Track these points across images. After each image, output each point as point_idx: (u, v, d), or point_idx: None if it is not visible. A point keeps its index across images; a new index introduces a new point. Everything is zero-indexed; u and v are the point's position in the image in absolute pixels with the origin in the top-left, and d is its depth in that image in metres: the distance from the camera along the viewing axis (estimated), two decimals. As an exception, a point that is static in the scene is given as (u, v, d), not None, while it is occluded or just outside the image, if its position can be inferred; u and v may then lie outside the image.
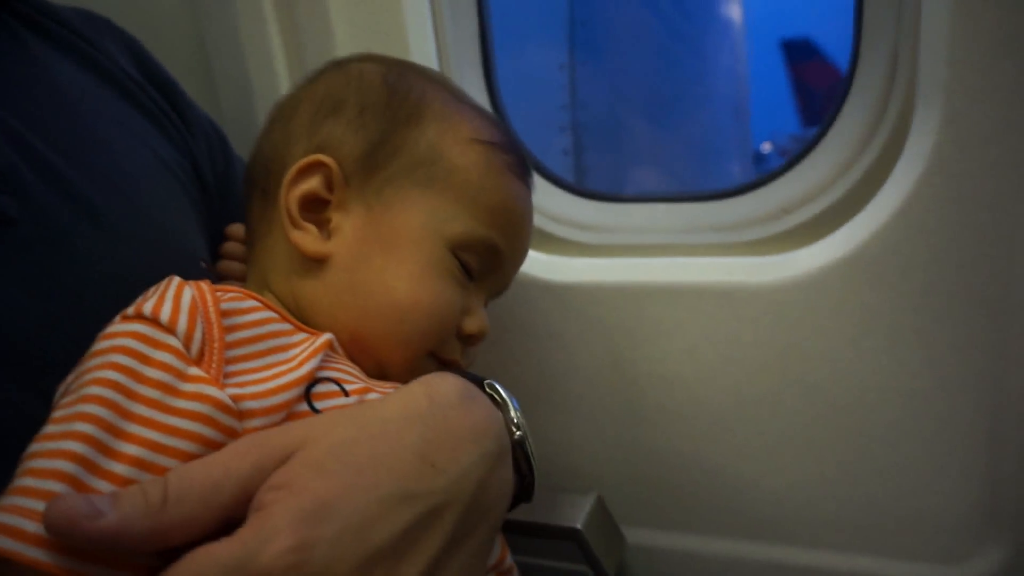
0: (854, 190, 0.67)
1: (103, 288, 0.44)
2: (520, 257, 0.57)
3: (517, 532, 0.64)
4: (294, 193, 0.50)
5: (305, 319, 0.49)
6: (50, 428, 0.34)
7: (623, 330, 0.72)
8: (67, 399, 0.35)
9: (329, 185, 0.50)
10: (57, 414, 0.34)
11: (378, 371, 0.49)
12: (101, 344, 0.37)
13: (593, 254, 0.78)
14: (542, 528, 0.68)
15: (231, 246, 0.62)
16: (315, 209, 0.50)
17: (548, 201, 0.80)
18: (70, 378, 0.37)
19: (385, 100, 0.52)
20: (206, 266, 0.55)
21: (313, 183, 0.50)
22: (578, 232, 0.80)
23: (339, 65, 0.56)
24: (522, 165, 0.55)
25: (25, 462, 0.32)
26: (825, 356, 0.66)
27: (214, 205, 0.62)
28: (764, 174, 0.76)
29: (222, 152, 0.66)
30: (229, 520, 0.32)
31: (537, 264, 0.76)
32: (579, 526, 0.67)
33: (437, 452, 0.36)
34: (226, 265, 0.61)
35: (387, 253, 0.49)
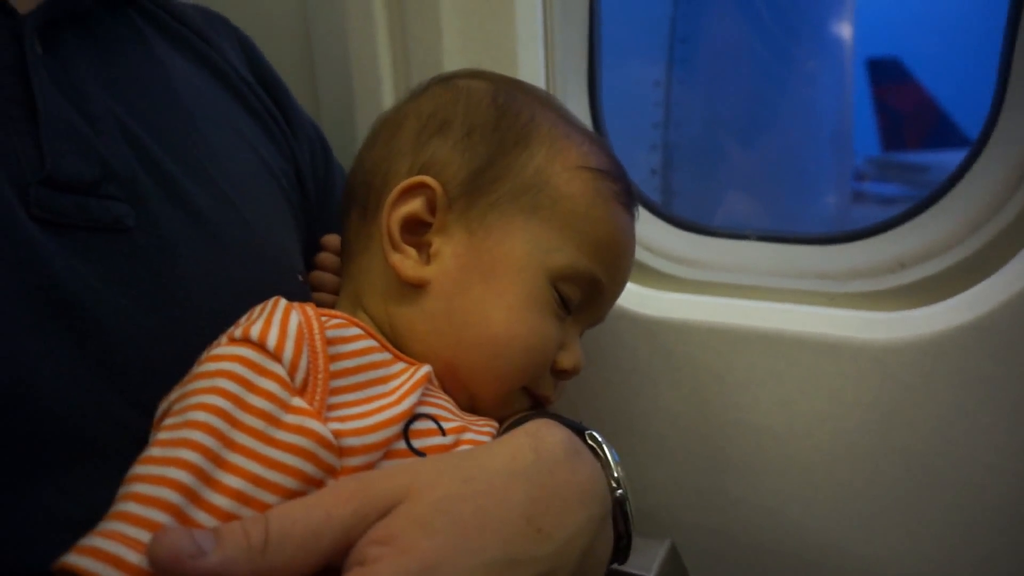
0: (988, 248, 0.61)
1: (208, 299, 0.44)
2: (619, 290, 0.55)
3: None
4: (396, 214, 0.48)
5: (399, 345, 0.48)
6: (155, 451, 0.33)
7: (713, 373, 0.69)
8: (171, 420, 0.35)
9: (432, 207, 0.49)
10: (162, 436, 0.34)
11: (469, 403, 0.48)
12: (207, 366, 0.36)
13: (686, 289, 0.75)
14: (612, 573, 0.65)
15: (325, 257, 0.62)
16: (415, 231, 0.49)
17: (642, 229, 0.77)
18: (173, 396, 0.37)
19: (494, 122, 0.50)
20: (303, 279, 0.55)
21: (415, 205, 0.49)
22: (670, 264, 0.77)
23: (446, 81, 0.55)
24: (628, 195, 0.53)
25: (128, 485, 0.32)
26: (934, 427, 0.61)
27: (312, 212, 0.62)
28: (878, 222, 0.71)
29: (324, 159, 0.66)
30: (328, 567, 0.31)
31: (627, 295, 0.73)
32: (651, 575, 0.64)
33: (544, 515, 0.34)
34: (318, 276, 0.60)
35: (487, 282, 0.47)
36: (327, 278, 0.60)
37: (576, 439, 0.39)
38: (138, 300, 0.41)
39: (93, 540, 0.30)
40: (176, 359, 0.39)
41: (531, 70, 0.74)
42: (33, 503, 0.35)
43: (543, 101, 0.54)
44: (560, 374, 0.51)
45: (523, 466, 0.35)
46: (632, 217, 0.54)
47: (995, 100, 0.63)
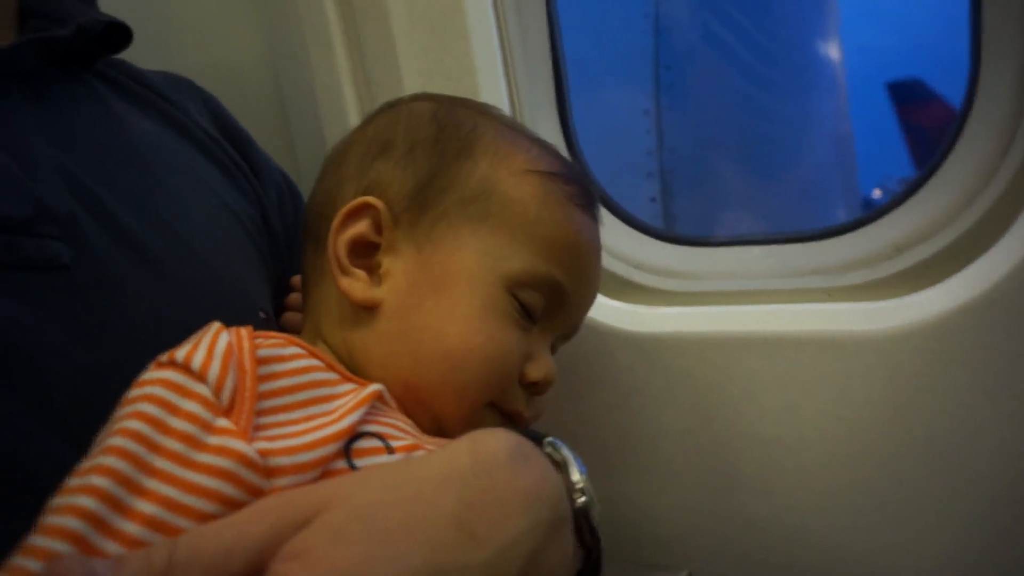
0: (981, 223, 0.58)
1: (155, 336, 0.42)
2: (588, 294, 0.52)
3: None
4: (342, 238, 0.48)
5: (358, 370, 0.46)
6: (71, 481, 0.32)
7: (714, 386, 0.65)
8: (94, 450, 0.33)
9: (378, 228, 0.48)
10: (82, 466, 0.33)
11: (435, 425, 0.46)
12: (133, 392, 0.35)
13: (680, 302, 0.72)
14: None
15: (295, 297, 0.61)
16: (365, 254, 0.48)
17: (628, 246, 0.75)
18: (105, 429, 0.35)
19: (434, 136, 0.49)
20: (265, 316, 0.54)
21: (361, 227, 0.48)
22: (662, 279, 0.74)
23: (392, 106, 0.55)
24: (585, 195, 0.51)
25: (42, 517, 0.31)
26: (954, 413, 0.57)
27: (282, 257, 0.62)
28: (871, 211, 0.68)
29: (292, 205, 0.66)
30: None
31: (617, 314, 0.70)
32: (669, 609, 0.60)
33: (478, 520, 0.31)
34: (289, 316, 0.60)
35: (438, 296, 0.46)
36: (297, 317, 0.59)
37: (526, 443, 0.36)
38: (77, 338, 0.40)
39: None
40: (118, 396, 0.37)
41: (495, 101, 0.73)
42: None
43: (488, 113, 0.53)
44: (531, 387, 0.48)
45: (458, 470, 0.33)
46: (593, 218, 0.52)
47: (972, 69, 0.60)
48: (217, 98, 0.65)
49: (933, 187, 0.62)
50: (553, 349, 0.52)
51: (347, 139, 0.54)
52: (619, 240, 0.75)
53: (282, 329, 0.58)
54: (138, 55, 0.58)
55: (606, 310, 0.70)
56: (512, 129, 0.52)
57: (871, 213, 0.66)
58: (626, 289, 0.74)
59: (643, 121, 1.63)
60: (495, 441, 0.35)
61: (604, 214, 0.77)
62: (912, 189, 0.64)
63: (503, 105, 0.74)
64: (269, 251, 0.60)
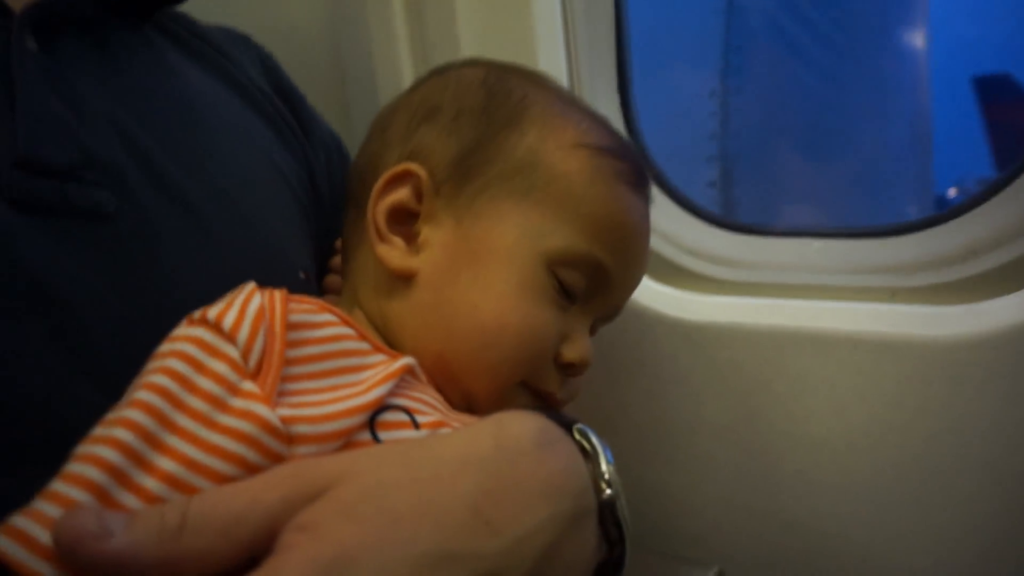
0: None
1: (193, 290, 0.42)
2: (633, 277, 0.51)
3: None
4: (382, 204, 0.47)
5: (392, 341, 0.46)
6: (96, 430, 0.32)
7: (761, 381, 0.63)
8: (122, 402, 0.33)
9: (419, 196, 0.47)
10: (107, 416, 0.33)
11: (465, 401, 0.45)
12: (163, 347, 0.35)
13: (731, 292, 0.69)
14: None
15: (338, 260, 0.60)
16: (405, 221, 0.47)
17: (681, 230, 0.72)
18: (134, 381, 0.35)
19: (482, 103, 0.48)
20: (305, 277, 0.54)
21: (402, 194, 0.47)
22: (715, 267, 0.71)
23: (441, 71, 0.53)
24: (636, 173, 0.49)
25: (66, 464, 0.31)
26: (1017, 433, 0.53)
27: (328, 217, 0.62)
28: (946, 210, 0.64)
29: (341, 167, 0.66)
30: (256, 555, 0.28)
31: (665, 299, 0.68)
32: (695, 604, 0.58)
33: (495, 507, 0.30)
34: (331, 279, 0.59)
35: (475, 270, 0.44)
36: (338, 281, 0.58)
37: (554, 429, 0.35)
38: (116, 287, 0.40)
39: (17, 519, 0.29)
40: (153, 348, 0.37)
41: (553, 74, 0.71)
42: (8, 491, 0.34)
43: (540, 82, 0.51)
44: (566, 368, 0.47)
45: (479, 454, 0.32)
46: (643, 198, 0.50)
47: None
48: (273, 56, 0.65)
49: (1016, 190, 0.58)
50: (593, 330, 0.50)
51: (394, 103, 0.53)
52: (672, 224, 0.73)
53: (323, 291, 0.58)
54: (203, 11, 0.59)
55: (653, 294, 0.68)
56: (565, 101, 0.50)
57: (945, 212, 0.62)
58: (676, 274, 0.72)
59: (708, 103, 1.59)
60: (521, 426, 0.33)
61: (658, 196, 0.75)
62: (993, 190, 0.60)
63: (561, 78, 0.72)
64: (314, 211, 0.60)
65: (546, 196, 0.45)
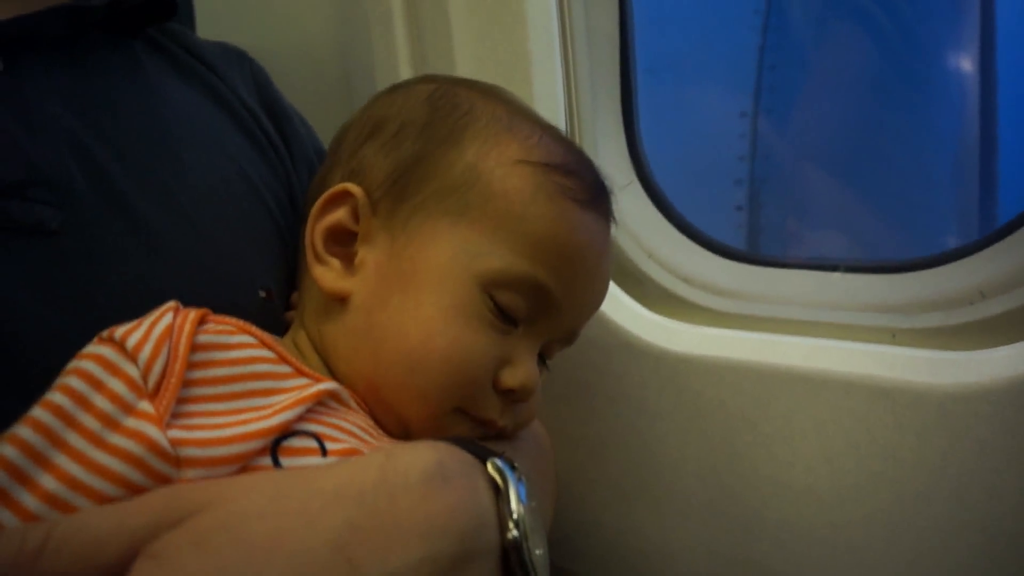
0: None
1: (139, 307, 0.41)
2: (584, 299, 0.47)
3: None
4: (320, 225, 0.46)
5: (329, 365, 0.44)
6: None
7: (748, 421, 0.59)
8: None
9: (356, 216, 0.45)
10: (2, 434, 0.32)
11: (400, 428, 0.43)
12: (70, 364, 0.34)
13: (723, 323, 0.66)
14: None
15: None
16: (346, 242, 0.46)
17: (675, 255, 0.69)
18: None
19: (425, 119, 0.46)
20: (266, 295, 0.52)
21: (339, 214, 0.45)
22: (708, 296, 0.68)
23: (396, 88, 0.52)
24: (588, 189, 0.46)
25: None
26: (1022, 494, 0.48)
27: None
28: (956, 247, 0.59)
29: None
30: None
31: (652, 328, 0.65)
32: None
33: (360, 545, 0.28)
34: (296, 298, 0.58)
35: (405, 292, 0.43)
36: None
37: (453, 463, 0.33)
38: (56, 305, 0.40)
39: None
40: None
41: (548, 94, 0.68)
42: None
43: (489, 94, 0.49)
44: (508, 394, 0.44)
45: (358, 487, 0.30)
46: (596, 215, 0.47)
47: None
48: (266, 71, 0.64)
49: (1032, 228, 0.54)
50: (550, 353, 0.48)
51: (349, 121, 0.52)
52: (666, 247, 0.70)
53: (288, 309, 0.57)
54: (215, 29, 0.58)
55: (640, 322, 0.65)
56: (515, 114, 0.47)
57: (952, 251, 0.58)
58: (667, 301, 0.68)
59: (738, 124, 1.53)
60: (412, 457, 0.32)
61: (653, 217, 0.72)
62: (1007, 229, 0.55)
63: (557, 98, 0.69)
64: (291, 230, 0.59)
65: (483, 215, 0.43)
